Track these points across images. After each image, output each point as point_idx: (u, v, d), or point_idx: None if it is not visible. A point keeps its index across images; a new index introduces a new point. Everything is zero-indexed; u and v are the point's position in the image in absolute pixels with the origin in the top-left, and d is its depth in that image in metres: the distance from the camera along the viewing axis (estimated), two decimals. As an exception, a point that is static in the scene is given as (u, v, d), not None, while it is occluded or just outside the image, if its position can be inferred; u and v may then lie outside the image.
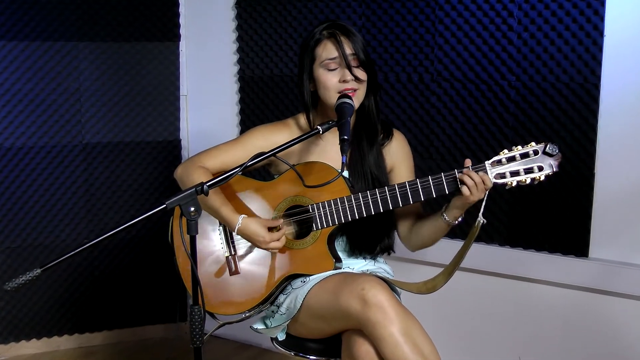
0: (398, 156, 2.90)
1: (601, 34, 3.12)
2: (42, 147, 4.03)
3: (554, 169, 2.49)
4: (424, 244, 2.84)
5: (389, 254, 2.92)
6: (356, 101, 2.70)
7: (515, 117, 3.36)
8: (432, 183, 2.56)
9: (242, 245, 2.81)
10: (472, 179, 2.50)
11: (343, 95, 2.66)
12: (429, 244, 2.83)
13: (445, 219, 2.65)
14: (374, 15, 3.65)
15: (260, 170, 3.30)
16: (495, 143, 3.40)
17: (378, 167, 2.82)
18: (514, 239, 3.47)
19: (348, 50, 2.67)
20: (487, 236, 3.49)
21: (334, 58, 2.68)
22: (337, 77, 2.68)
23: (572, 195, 3.27)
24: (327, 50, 2.69)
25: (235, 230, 2.69)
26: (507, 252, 3.47)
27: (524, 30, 3.29)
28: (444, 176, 2.55)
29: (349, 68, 2.67)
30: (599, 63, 3.15)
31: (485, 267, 3.53)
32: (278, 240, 2.69)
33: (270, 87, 4.04)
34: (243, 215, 2.70)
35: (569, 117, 3.23)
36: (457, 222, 2.66)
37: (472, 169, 2.52)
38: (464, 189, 2.51)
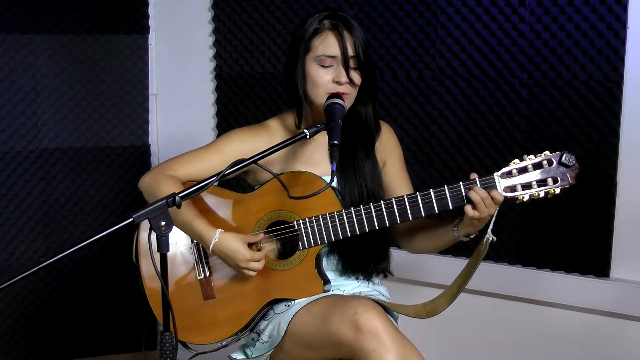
0: (387, 148, 2.92)
1: (624, 25, 3.13)
2: (-6, 153, 4.01)
3: (571, 182, 2.49)
4: (426, 252, 2.90)
5: (385, 276, 2.90)
6: (347, 103, 2.70)
7: (527, 120, 3.36)
8: (434, 197, 2.56)
9: (218, 266, 2.79)
10: (479, 195, 2.48)
11: (333, 95, 2.65)
12: (431, 252, 2.88)
13: (456, 233, 2.63)
14: (368, 5, 3.66)
15: (239, 180, 3.27)
16: (504, 148, 3.39)
17: (374, 180, 2.83)
18: (525, 258, 3.47)
19: (350, 48, 2.68)
20: (496, 254, 3.49)
21: (332, 56, 2.67)
22: (331, 76, 2.68)
23: (592, 208, 3.27)
24: (326, 44, 2.68)
25: (211, 247, 2.67)
26: (518, 272, 3.47)
27: (537, 21, 3.28)
28: (448, 190, 2.53)
29: (347, 69, 2.66)
30: (621, 58, 3.15)
31: (493, 288, 3.53)
32: (258, 261, 2.65)
33: (251, 86, 4.04)
34: (220, 230, 2.68)
35: (588, 119, 3.24)
36: (469, 238, 2.64)
37: (480, 183, 2.51)
38: (467, 208, 2.50)
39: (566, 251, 3.36)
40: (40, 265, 2.17)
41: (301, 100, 2.75)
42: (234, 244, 2.66)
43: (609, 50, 3.15)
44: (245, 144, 2.80)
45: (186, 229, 2.73)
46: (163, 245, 2.23)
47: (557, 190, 2.49)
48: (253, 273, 2.69)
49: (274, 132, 2.86)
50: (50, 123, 4.09)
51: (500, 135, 3.42)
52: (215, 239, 2.66)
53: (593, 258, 3.30)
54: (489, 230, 2.53)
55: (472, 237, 2.63)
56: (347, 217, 2.63)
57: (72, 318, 4.27)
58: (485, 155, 3.45)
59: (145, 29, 4.26)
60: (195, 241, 2.81)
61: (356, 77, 2.69)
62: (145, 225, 2.83)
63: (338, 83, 2.67)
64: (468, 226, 2.57)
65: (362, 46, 2.70)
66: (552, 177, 2.48)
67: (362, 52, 2.69)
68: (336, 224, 2.64)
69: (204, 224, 2.70)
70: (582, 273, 3.33)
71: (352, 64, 2.67)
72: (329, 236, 2.65)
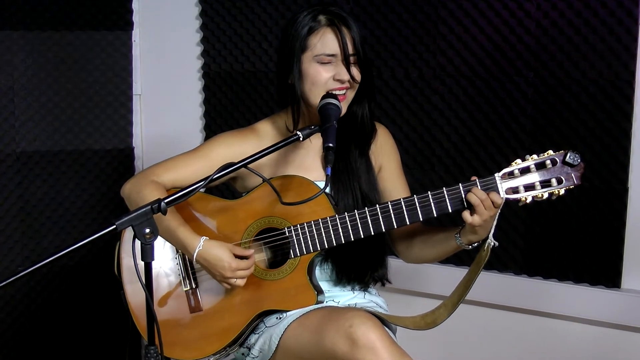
0: (384, 151, 2.92)
1: (636, 21, 3.14)
2: (-32, 157, 3.98)
3: (576, 182, 2.48)
4: (425, 261, 2.88)
5: (383, 284, 2.88)
6: (345, 105, 2.69)
7: (534, 121, 3.36)
8: (433, 200, 2.54)
9: (204, 277, 2.78)
10: (478, 197, 2.47)
11: (328, 95, 2.64)
12: (431, 261, 2.87)
13: (459, 241, 2.62)
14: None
15: (228, 186, 3.25)
16: (510, 151, 3.40)
17: (369, 184, 2.83)
18: (532, 267, 3.47)
19: (350, 46, 2.67)
20: (500, 263, 3.50)
21: (332, 54, 2.66)
22: (331, 73, 2.68)
23: (602, 214, 3.27)
24: (325, 42, 2.68)
25: (195, 255, 2.65)
26: (523, 283, 3.47)
27: (544, 17, 3.28)
28: (447, 192, 2.52)
29: (348, 66, 2.66)
30: (633, 56, 3.17)
31: (498, 299, 3.53)
32: (246, 269, 2.63)
33: (241, 85, 4.03)
34: (205, 237, 2.66)
35: (598, 120, 3.24)
36: (472, 246, 2.63)
37: (480, 184, 2.51)
38: (466, 215, 2.50)
39: (575, 260, 3.36)
40: (18, 275, 2.16)
41: (299, 101, 2.73)
42: (219, 252, 2.64)
43: (620, 48, 3.16)
44: (232, 148, 2.79)
45: (169, 237, 2.72)
46: (148, 254, 2.21)
47: (562, 191, 2.48)
48: (240, 282, 2.67)
49: (263, 135, 2.85)
50: (29, 125, 4.07)
51: (504, 137, 3.41)
52: (199, 247, 2.64)
53: (603, 267, 3.30)
54: (490, 235, 2.52)
55: (475, 245, 2.62)
56: (340, 223, 2.62)
57: (51, 331, 4.25)
58: (489, 159, 3.45)
59: (129, 25, 4.24)
60: (180, 251, 2.79)
61: (357, 74, 2.69)
62: (127, 242, 2.84)
63: (339, 81, 2.66)
64: (470, 233, 2.57)
65: (361, 42, 2.70)
66: (556, 178, 2.48)
67: (361, 47, 2.70)
68: (329, 230, 2.63)
69: (188, 231, 2.69)
70: (591, 283, 3.33)
71: (352, 60, 2.67)
72: (321, 243, 2.64)
